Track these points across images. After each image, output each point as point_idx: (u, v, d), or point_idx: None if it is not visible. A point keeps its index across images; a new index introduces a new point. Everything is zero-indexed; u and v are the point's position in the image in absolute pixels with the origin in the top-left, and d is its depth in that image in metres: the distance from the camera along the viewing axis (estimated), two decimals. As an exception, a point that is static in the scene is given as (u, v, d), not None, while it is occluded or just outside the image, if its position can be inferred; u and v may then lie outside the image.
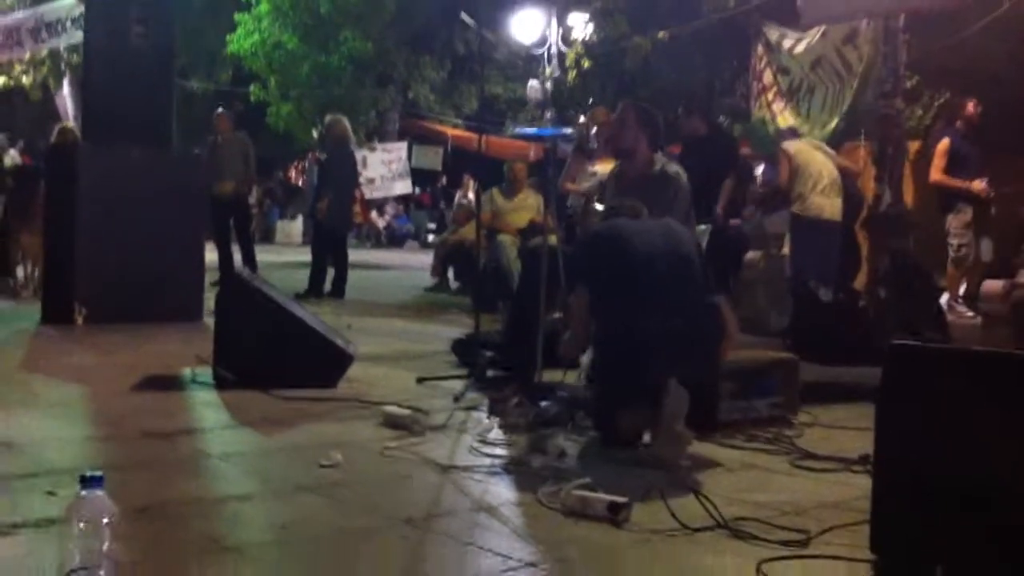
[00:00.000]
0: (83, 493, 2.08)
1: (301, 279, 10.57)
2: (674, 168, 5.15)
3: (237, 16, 18.05)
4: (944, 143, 8.91)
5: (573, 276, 4.46)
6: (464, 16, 6.42)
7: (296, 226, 24.66)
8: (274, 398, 4.79)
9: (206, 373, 5.28)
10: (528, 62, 24.95)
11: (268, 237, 23.10)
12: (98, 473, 2.11)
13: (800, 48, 10.71)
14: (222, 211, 10.97)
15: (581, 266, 4.38)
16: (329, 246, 10.67)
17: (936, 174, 8.90)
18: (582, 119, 8.96)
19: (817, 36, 10.34)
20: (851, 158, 10.46)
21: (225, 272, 9.67)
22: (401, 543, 2.89)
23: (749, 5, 12.09)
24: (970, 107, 8.83)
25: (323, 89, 18.07)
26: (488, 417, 4.58)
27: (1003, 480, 2.57)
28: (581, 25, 19.79)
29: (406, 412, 4.40)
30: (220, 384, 5.10)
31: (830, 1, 8.13)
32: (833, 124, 9.76)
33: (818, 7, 8.29)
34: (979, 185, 8.71)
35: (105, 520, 2.08)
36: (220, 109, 11.56)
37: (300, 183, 27.08)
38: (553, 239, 6.03)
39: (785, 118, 10.92)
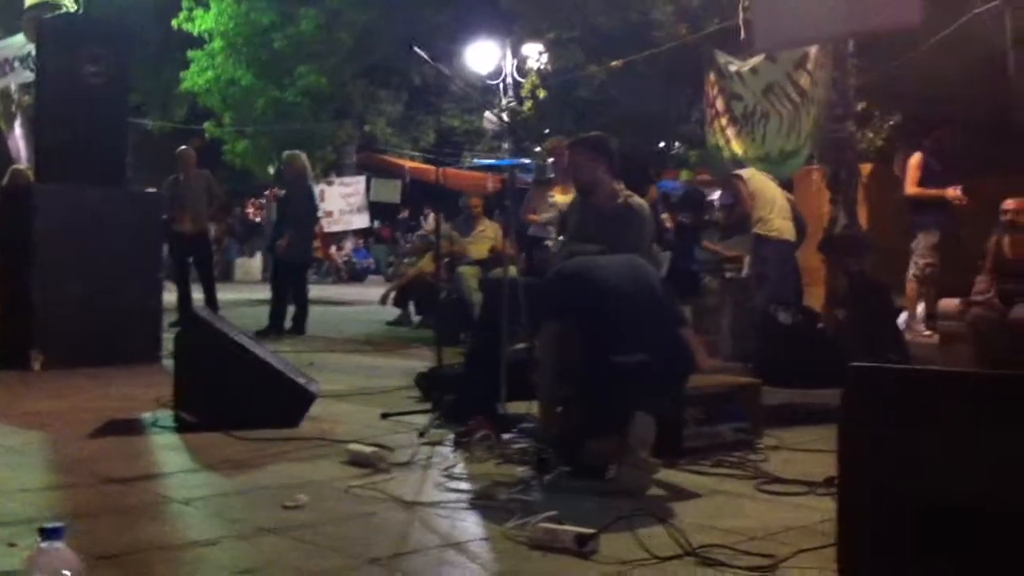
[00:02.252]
0: (43, 545, 2.05)
1: (261, 316, 10.51)
2: (637, 200, 5.18)
3: (191, 53, 18.00)
4: (916, 157, 9.07)
5: (541, 312, 4.48)
6: (417, 50, 6.44)
7: (255, 262, 24.55)
8: (236, 439, 4.74)
9: (167, 416, 5.22)
10: (484, 93, 25.09)
11: (227, 274, 22.95)
12: (58, 524, 2.07)
13: (748, 73, 10.84)
14: (182, 249, 10.89)
15: (549, 302, 4.40)
16: (289, 282, 10.62)
17: (911, 187, 9.03)
18: (539, 149, 9.02)
19: (764, 61, 10.46)
20: (804, 182, 10.59)
21: (184, 312, 9.63)
22: (369, 583, 2.86)
23: (701, 33, 12.25)
24: (940, 134, 9.05)
25: (279, 125, 18.04)
26: (453, 451, 4.56)
27: (965, 498, 2.59)
28: (536, 55, 19.97)
29: (370, 449, 4.37)
30: (181, 427, 5.04)
31: (780, 28, 8.20)
32: (802, 151, 9.85)
33: (768, 34, 8.38)
34: (953, 192, 8.85)
35: (66, 573, 2.04)
36: (184, 147, 11.48)
37: (258, 219, 26.96)
38: (513, 270, 6.06)
39: (739, 143, 11.03)
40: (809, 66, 9.58)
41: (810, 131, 9.66)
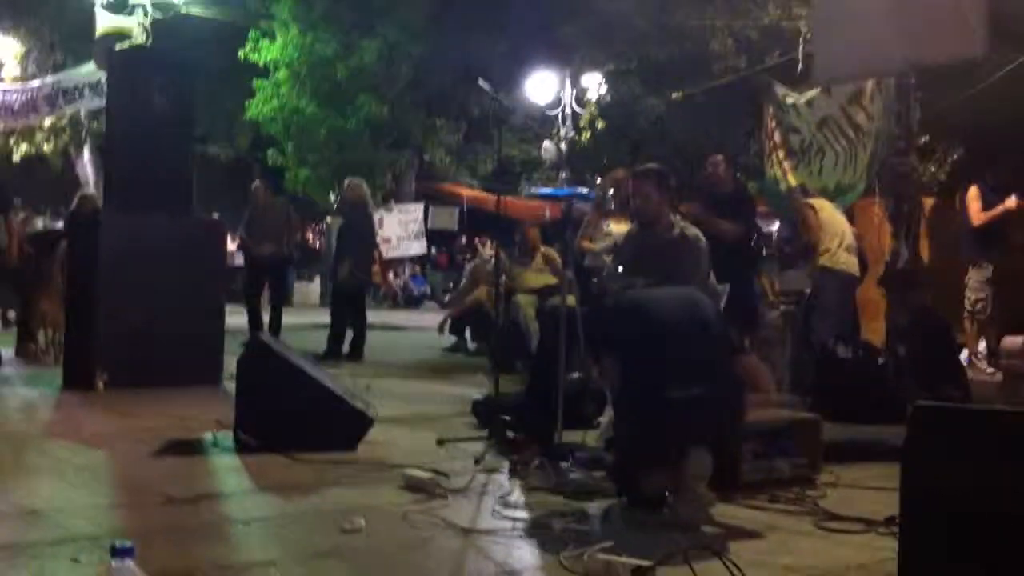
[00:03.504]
0: (114, 563, 2.09)
1: (319, 340, 10.61)
2: (693, 231, 5.19)
3: (256, 82, 18.32)
4: (973, 189, 9.05)
5: (597, 345, 4.50)
6: (481, 82, 6.56)
7: (314, 288, 24.81)
8: (295, 462, 4.79)
9: (227, 437, 5.30)
10: (542, 123, 25.22)
11: (286, 299, 23.20)
12: (128, 543, 2.12)
13: (804, 106, 10.82)
14: (259, 274, 11.12)
15: (605, 335, 4.41)
16: (348, 308, 10.74)
17: (976, 216, 9.01)
18: (599, 180, 9.03)
19: (819, 94, 10.43)
20: (865, 215, 10.50)
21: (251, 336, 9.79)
22: (425, 609, 2.88)
23: (761, 67, 12.23)
24: (997, 169, 9.01)
25: (340, 153, 18.27)
26: (509, 479, 4.57)
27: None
28: (595, 86, 20.06)
29: (427, 475, 4.40)
30: (241, 449, 5.12)
31: (840, 61, 8.16)
32: (858, 185, 9.79)
33: (829, 67, 8.33)
34: (1012, 202, 8.81)
35: (135, 589, 2.09)
36: (257, 182, 11.80)
37: (318, 245, 27.30)
38: (571, 299, 6.08)
39: (796, 176, 10.99)
40: (864, 101, 9.53)
41: (867, 165, 9.59)
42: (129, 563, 2.09)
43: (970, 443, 2.75)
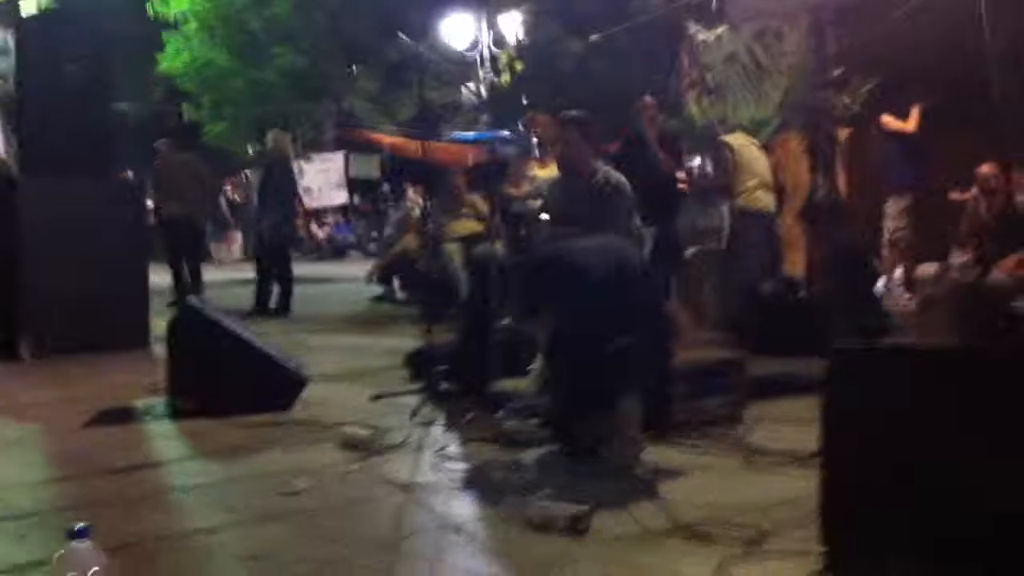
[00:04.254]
0: (73, 546, 2.12)
1: (244, 296, 10.55)
2: (616, 176, 5.24)
3: (165, 35, 17.87)
4: (887, 117, 9.29)
5: (526, 296, 4.56)
6: (401, 36, 6.50)
7: (236, 242, 24.49)
8: (231, 426, 4.80)
9: (160, 404, 5.28)
10: (461, 66, 25.04)
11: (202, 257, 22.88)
12: (83, 525, 2.15)
13: (714, 43, 10.97)
14: (174, 232, 10.94)
15: (532, 287, 4.48)
16: (273, 262, 10.66)
17: (899, 125, 9.22)
18: (521, 125, 9.02)
19: (727, 31, 10.57)
20: (784, 148, 10.66)
21: (180, 297, 9.71)
22: (373, 568, 2.94)
23: (675, 3, 12.29)
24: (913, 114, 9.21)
25: (258, 105, 17.97)
26: (446, 432, 4.64)
27: (944, 470, 2.70)
28: (513, 28, 19.96)
29: (364, 432, 4.45)
30: (175, 414, 5.11)
31: (756, -1, 8.28)
32: (773, 120, 9.95)
33: (747, 3, 8.44)
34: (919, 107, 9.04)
35: (96, 570, 2.12)
36: (161, 141, 11.55)
37: (237, 199, 26.87)
38: (499, 246, 6.12)
39: (714, 111, 11.14)
40: (767, 39, 9.67)
41: (778, 102, 9.75)
42: (87, 544, 2.12)
43: (884, 380, 2.88)
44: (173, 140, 11.69)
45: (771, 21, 9.42)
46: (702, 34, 11.15)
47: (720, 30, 10.56)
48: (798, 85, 9.89)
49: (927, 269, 8.24)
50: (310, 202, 21.72)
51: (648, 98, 8.35)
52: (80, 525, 2.15)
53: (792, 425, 4.59)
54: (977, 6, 8.82)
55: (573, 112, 5.56)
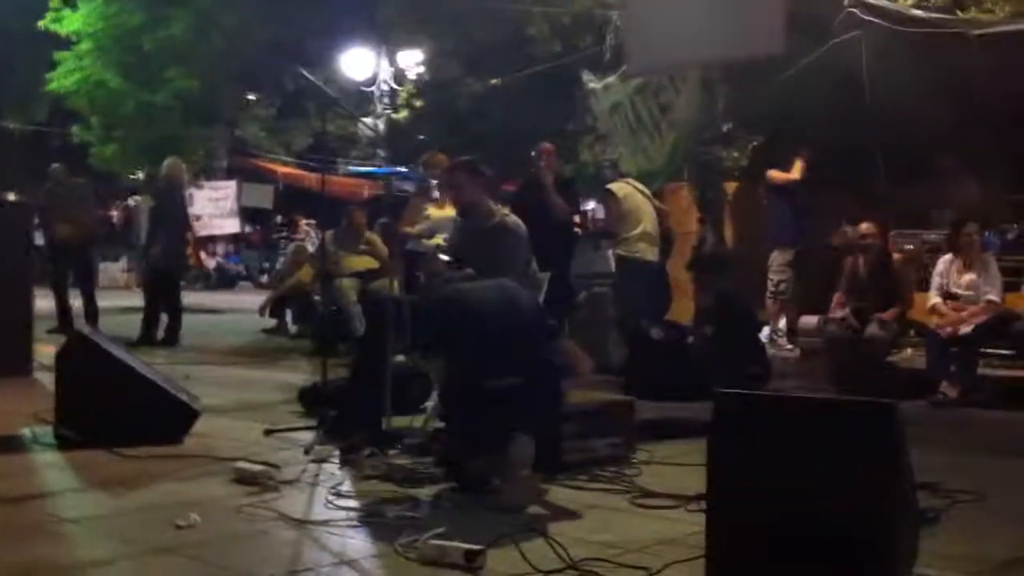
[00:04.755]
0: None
1: (131, 324, 10.35)
2: (512, 219, 5.37)
3: (57, 54, 17.45)
4: (773, 172, 9.65)
5: (422, 338, 4.65)
6: (302, 71, 6.52)
7: (118, 268, 23.93)
8: (121, 457, 4.74)
9: (47, 432, 5.17)
10: (359, 99, 25.05)
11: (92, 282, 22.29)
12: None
13: (602, 91, 11.31)
14: (61, 257, 10.69)
15: (429, 328, 4.57)
16: (161, 290, 10.49)
17: (782, 177, 9.56)
18: (421, 165, 9.10)
19: (615, 81, 10.91)
20: (674, 197, 11.01)
21: (66, 325, 9.49)
22: (267, 602, 2.97)
23: (574, 55, 12.60)
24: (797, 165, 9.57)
25: (149, 128, 17.63)
26: (340, 468, 4.67)
27: (819, 514, 2.87)
28: (413, 65, 20.10)
29: (258, 467, 4.44)
30: (63, 444, 5.01)
31: (652, 53, 8.56)
32: (659, 174, 10.27)
33: (642, 59, 8.73)
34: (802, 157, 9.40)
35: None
36: (55, 165, 11.35)
37: (120, 223, 26.29)
38: (394, 284, 6.18)
39: (602, 157, 11.46)
40: (646, 93, 10.03)
41: (668, 153, 10.09)
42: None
43: (766, 426, 3.05)
44: (65, 164, 11.49)
45: (655, 76, 9.77)
46: (592, 82, 11.48)
47: (609, 79, 10.89)
48: (686, 140, 10.24)
49: (808, 320, 8.58)
50: (199, 230, 21.37)
51: (546, 144, 8.55)
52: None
53: (679, 467, 4.76)
54: (860, 69, 9.32)
55: (464, 157, 5.69)
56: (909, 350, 7.76)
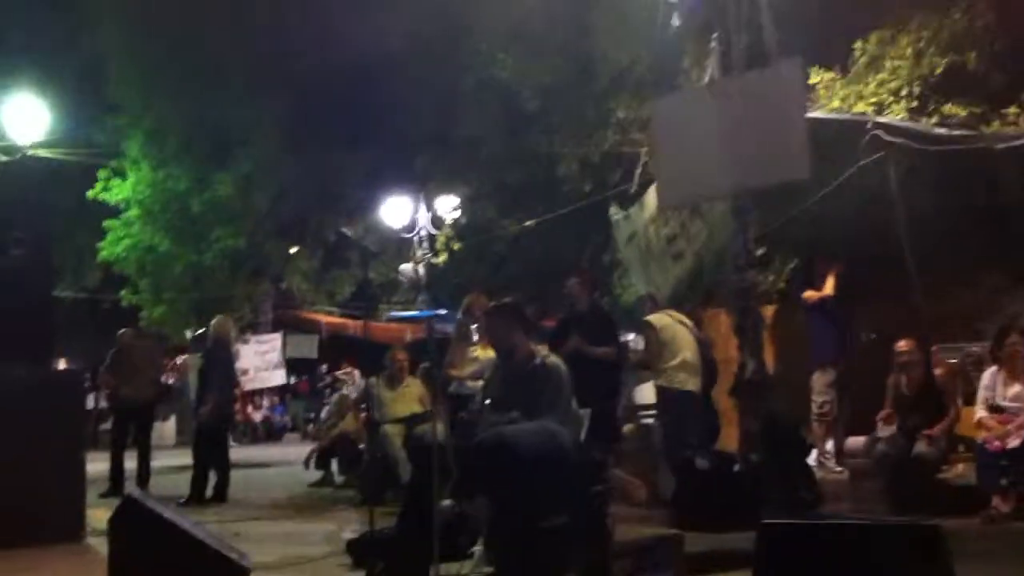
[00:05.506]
0: None
1: (178, 482, 10.42)
2: (552, 360, 5.44)
3: (107, 223, 18.08)
4: (809, 292, 9.79)
5: (467, 482, 4.68)
6: (346, 230, 6.80)
7: (169, 427, 24.14)
8: (172, 620, 4.75)
9: (99, 600, 5.20)
10: (399, 246, 25.55)
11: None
12: None
13: (622, 221, 11.52)
14: (125, 417, 10.92)
15: (474, 472, 4.61)
16: (210, 447, 10.60)
17: (815, 295, 9.66)
18: (462, 309, 9.25)
19: (634, 208, 11.13)
20: (713, 325, 11.04)
21: (118, 488, 9.60)
22: None
23: (604, 192, 12.87)
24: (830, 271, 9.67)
25: (197, 287, 18.10)
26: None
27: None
28: (450, 209, 20.55)
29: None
30: (115, 610, 5.03)
31: (681, 185, 8.71)
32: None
33: (673, 192, 8.88)
34: (836, 270, 9.51)
35: None
36: (124, 329, 11.91)
37: (171, 382, 26.66)
38: (440, 428, 6.22)
39: (627, 289, 11.57)
40: (658, 222, 10.22)
41: (673, 284, 10.22)
42: None
43: (810, 553, 3.04)
44: (126, 328, 11.92)
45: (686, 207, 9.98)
46: (616, 214, 11.71)
47: (630, 210, 11.11)
48: (700, 269, 10.35)
49: (856, 441, 8.49)
50: (246, 384, 21.64)
51: (572, 278, 8.78)
52: None
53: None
54: (888, 187, 9.44)
55: (504, 300, 5.81)
56: (960, 466, 7.63)
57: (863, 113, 9.36)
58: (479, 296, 9.58)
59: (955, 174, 9.18)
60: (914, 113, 9.20)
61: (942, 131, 8.93)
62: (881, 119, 9.18)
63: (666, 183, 8.95)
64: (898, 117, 9.16)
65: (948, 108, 8.98)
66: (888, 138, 9.02)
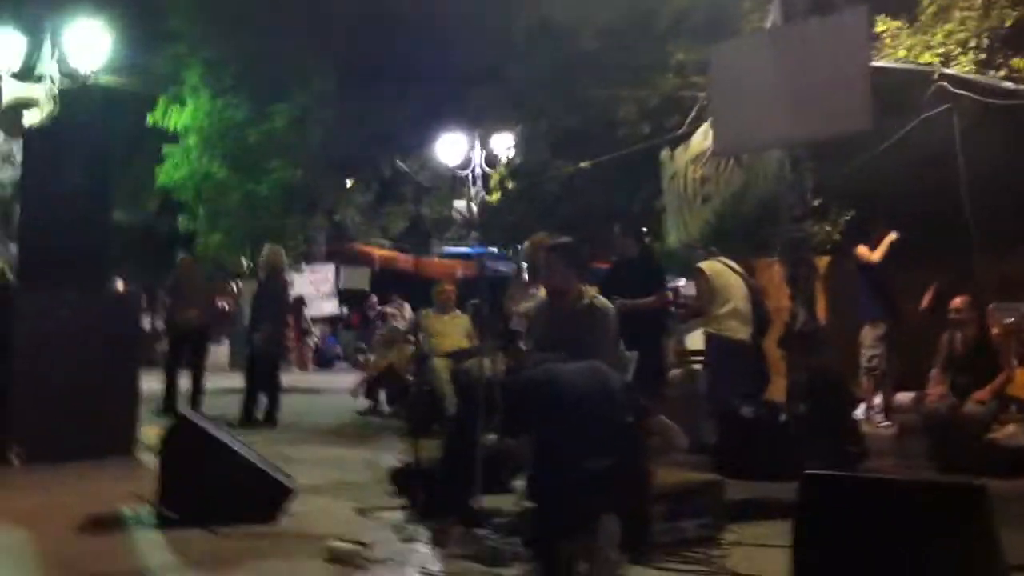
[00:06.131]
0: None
1: (230, 405, 10.62)
2: (601, 301, 5.45)
3: (166, 149, 18.28)
4: (861, 247, 9.64)
5: (511, 418, 4.72)
6: (398, 162, 6.79)
7: (223, 351, 24.56)
8: (217, 536, 4.88)
9: (148, 512, 5.35)
10: (453, 182, 25.58)
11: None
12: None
13: (666, 160, 11.41)
14: (181, 339, 11.13)
15: (516, 408, 4.64)
16: (262, 373, 10.78)
17: (868, 256, 9.64)
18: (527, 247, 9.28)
19: (679, 151, 11.02)
20: (766, 274, 10.95)
21: (171, 407, 9.82)
22: None
23: (661, 137, 12.72)
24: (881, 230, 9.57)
25: (252, 217, 18.29)
26: (430, 548, 4.73)
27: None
28: (504, 149, 20.49)
29: (349, 546, 4.53)
30: (163, 523, 5.17)
31: (741, 133, 8.60)
32: (696, 246, 10.33)
33: (729, 139, 8.77)
34: (893, 235, 9.50)
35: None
36: (183, 255, 12.29)
37: (226, 308, 27.04)
38: (487, 363, 6.26)
39: (685, 233, 11.49)
40: (697, 163, 10.09)
41: (701, 227, 10.13)
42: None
43: (852, 508, 3.03)
44: (190, 257, 12.15)
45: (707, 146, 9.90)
46: (665, 156, 11.62)
47: (675, 151, 11.00)
48: (728, 214, 10.25)
49: (905, 397, 8.42)
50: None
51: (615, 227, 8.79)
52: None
53: (768, 549, 4.70)
54: (951, 143, 9.23)
55: (561, 239, 5.80)
56: (1011, 426, 7.54)
57: (929, 64, 9.13)
58: (542, 236, 9.56)
59: (1021, 130, 8.95)
60: (981, 66, 8.97)
61: (1009, 85, 8.69)
62: (947, 71, 8.96)
63: (722, 131, 8.83)
64: (965, 70, 8.93)
65: (1017, 62, 8.74)
66: (954, 90, 8.80)
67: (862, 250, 9.67)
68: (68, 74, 14.34)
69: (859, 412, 8.97)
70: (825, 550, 3.00)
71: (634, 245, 8.94)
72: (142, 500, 5.55)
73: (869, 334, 9.52)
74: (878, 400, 9.61)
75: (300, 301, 23.31)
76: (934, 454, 7.39)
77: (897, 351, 9.49)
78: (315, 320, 25.87)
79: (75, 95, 14.08)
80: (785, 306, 9.65)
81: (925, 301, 9.41)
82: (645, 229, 14.59)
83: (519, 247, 19.54)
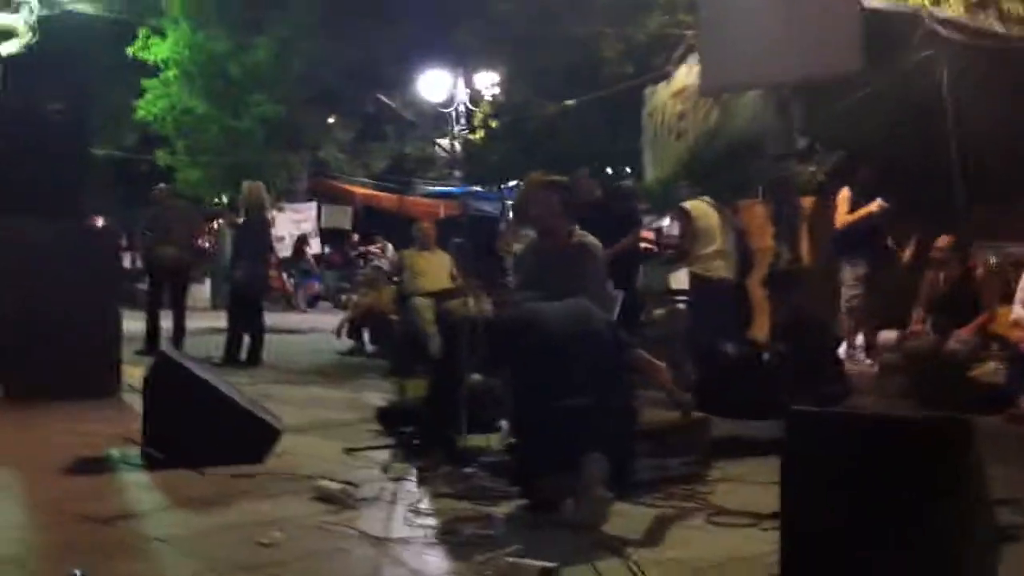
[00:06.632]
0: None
1: (213, 344, 10.59)
2: (590, 239, 5.44)
3: (145, 82, 18.03)
4: (844, 191, 9.59)
5: (495, 356, 4.71)
6: (380, 96, 6.68)
7: (204, 289, 24.45)
8: (205, 477, 4.87)
9: (134, 453, 5.34)
10: (436, 121, 25.37)
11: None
12: (83, 572, 2.24)
13: (648, 94, 11.34)
14: (161, 276, 11.04)
15: (503, 346, 4.63)
16: (245, 312, 10.72)
17: (840, 219, 9.52)
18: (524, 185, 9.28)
19: (660, 87, 10.95)
20: (748, 214, 10.94)
21: (154, 347, 9.74)
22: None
23: (646, 76, 12.61)
24: (865, 173, 9.52)
25: (233, 153, 18.12)
26: (418, 487, 4.75)
27: (894, 532, 2.85)
28: (489, 86, 20.33)
29: (337, 486, 4.54)
30: (149, 464, 5.16)
31: (728, 71, 8.52)
32: (677, 183, 10.28)
33: (717, 77, 8.70)
34: (875, 205, 9.36)
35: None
36: (161, 185, 11.96)
37: (207, 246, 26.88)
38: (471, 302, 6.26)
39: (664, 170, 11.44)
40: (684, 96, 10.02)
41: (675, 164, 10.08)
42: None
43: (839, 444, 3.05)
44: (169, 186, 11.93)
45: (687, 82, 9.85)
46: (649, 91, 11.55)
47: (658, 86, 10.93)
48: (700, 151, 10.21)
49: (887, 335, 8.47)
50: (281, 251, 21.79)
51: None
52: (78, 572, 2.24)
53: (752, 485, 4.75)
54: (938, 87, 9.18)
55: (552, 177, 5.75)
56: (991, 364, 7.60)
57: (919, 7, 9.05)
58: (540, 176, 9.52)
59: (1010, 77, 8.90)
60: (972, 9, 8.88)
61: (1000, 28, 8.63)
62: (937, 12, 8.88)
63: (710, 69, 8.76)
64: (955, 13, 8.85)
65: (1008, 6, 8.66)
66: (944, 33, 8.74)
67: (841, 207, 9.68)
68: (46, 2, 14.07)
69: (841, 351, 9.02)
70: (813, 486, 3.02)
71: (596, 187, 8.96)
72: (129, 441, 5.54)
73: (850, 273, 9.55)
74: (859, 339, 9.67)
75: (303, 240, 23.19)
76: (914, 391, 7.46)
77: (881, 292, 9.52)
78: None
79: (53, 24, 13.86)
80: (769, 246, 9.67)
81: (907, 254, 9.41)
82: (629, 169, 14.59)
83: (502, 187, 19.50)
